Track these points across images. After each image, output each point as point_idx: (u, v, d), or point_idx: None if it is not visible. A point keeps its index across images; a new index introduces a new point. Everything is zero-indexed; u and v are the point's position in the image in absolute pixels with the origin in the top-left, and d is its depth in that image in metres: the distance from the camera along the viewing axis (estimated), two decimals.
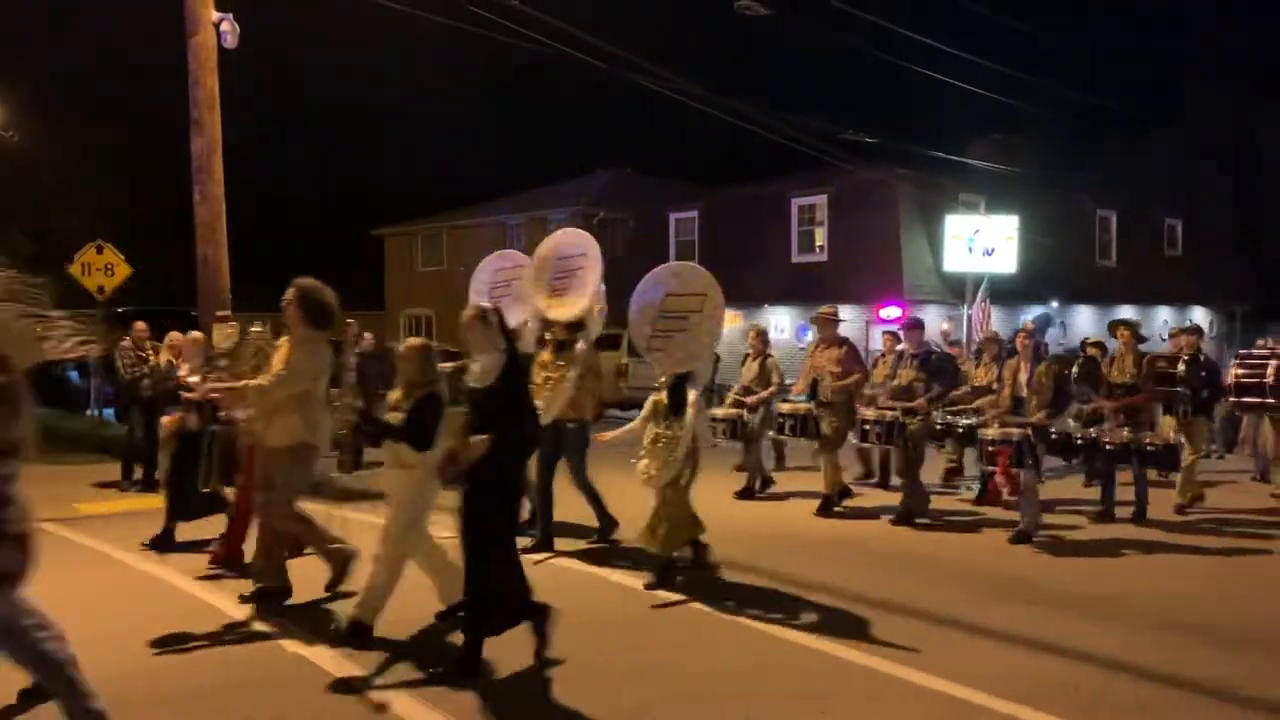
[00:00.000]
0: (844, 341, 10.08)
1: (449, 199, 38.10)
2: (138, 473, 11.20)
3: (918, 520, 9.30)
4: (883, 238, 24.25)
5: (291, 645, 5.70)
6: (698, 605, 6.51)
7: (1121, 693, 5.08)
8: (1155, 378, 9.81)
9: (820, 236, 25.81)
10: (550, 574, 7.39)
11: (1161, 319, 28.45)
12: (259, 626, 6.06)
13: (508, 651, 5.36)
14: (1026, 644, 5.81)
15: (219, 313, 12.16)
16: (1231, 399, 10.56)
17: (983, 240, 23.63)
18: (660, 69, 14.95)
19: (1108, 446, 9.35)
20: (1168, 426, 10.19)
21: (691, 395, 7.10)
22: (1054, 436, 9.21)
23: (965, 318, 23.06)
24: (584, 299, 8.05)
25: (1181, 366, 10.12)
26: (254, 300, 13.40)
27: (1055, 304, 26.63)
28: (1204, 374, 10.18)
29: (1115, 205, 28.57)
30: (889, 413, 9.55)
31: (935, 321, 24.63)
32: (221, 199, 12.36)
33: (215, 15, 12.04)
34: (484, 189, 38.60)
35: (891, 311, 23.83)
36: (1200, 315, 29.63)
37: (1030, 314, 26.56)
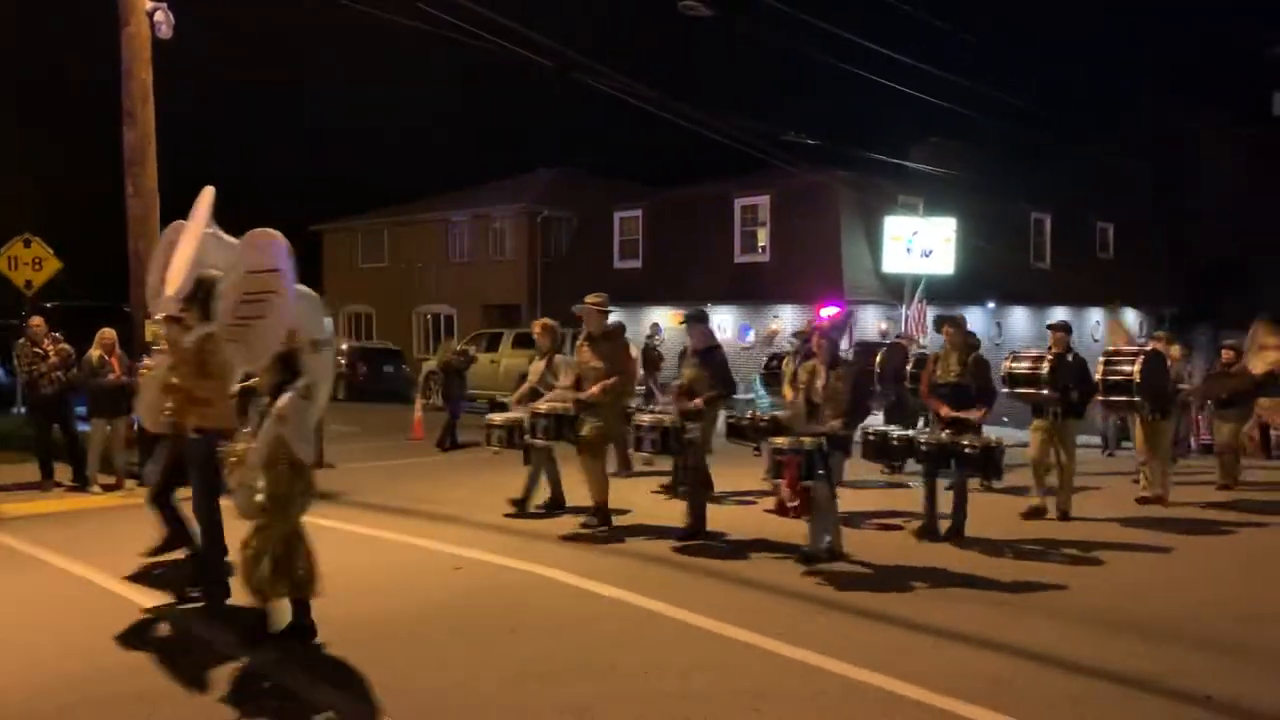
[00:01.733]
0: (614, 335, 9.08)
1: (391, 195, 37.73)
2: (57, 472, 10.89)
3: (693, 540, 8.36)
4: (824, 238, 24.52)
5: (226, 647, 5.60)
6: (637, 603, 6.52)
7: (1053, 686, 5.18)
8: (1017, 379, 9.54)
9: (763, 237, 26.01)
10: (490, 574, 7.36)
11: (1094, 320, 29.15)
12: (193, 628, 5.95)
13: (457, 651, 5.32)
14: (961, 639, 5.90)
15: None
16: (1099, 398, 10.22)
17: (921, 242, 23.99)
18: (605, 68, 14.94)
19: (924, 449, 8.63)
20: (1038, 431, 9.75)
21: (285, 398, 5.45)
22: (871, 439, 8.87)
23: (904, 318, 23.42)
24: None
25: (1046, 366, 9.54)
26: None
27: (992, 305, 27.14)
28: (1074, 374, 9.71)
29: (1049, 209, 29.22)
30: (666, 416, 8.69)
31: (874, 321, 25.00)
32: (155, 193, 12.12)
33: (149, 5, 11.78)
34: (427, 186, 38.30)
35: (831, 311, 24.08)
36: (1130, 317, 30.40)
37: (968, 316, 27.01)
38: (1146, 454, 10.97)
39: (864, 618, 6.30)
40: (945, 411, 8.70)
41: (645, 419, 8.71)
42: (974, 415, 8.52)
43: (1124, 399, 10.04)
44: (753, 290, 25.41)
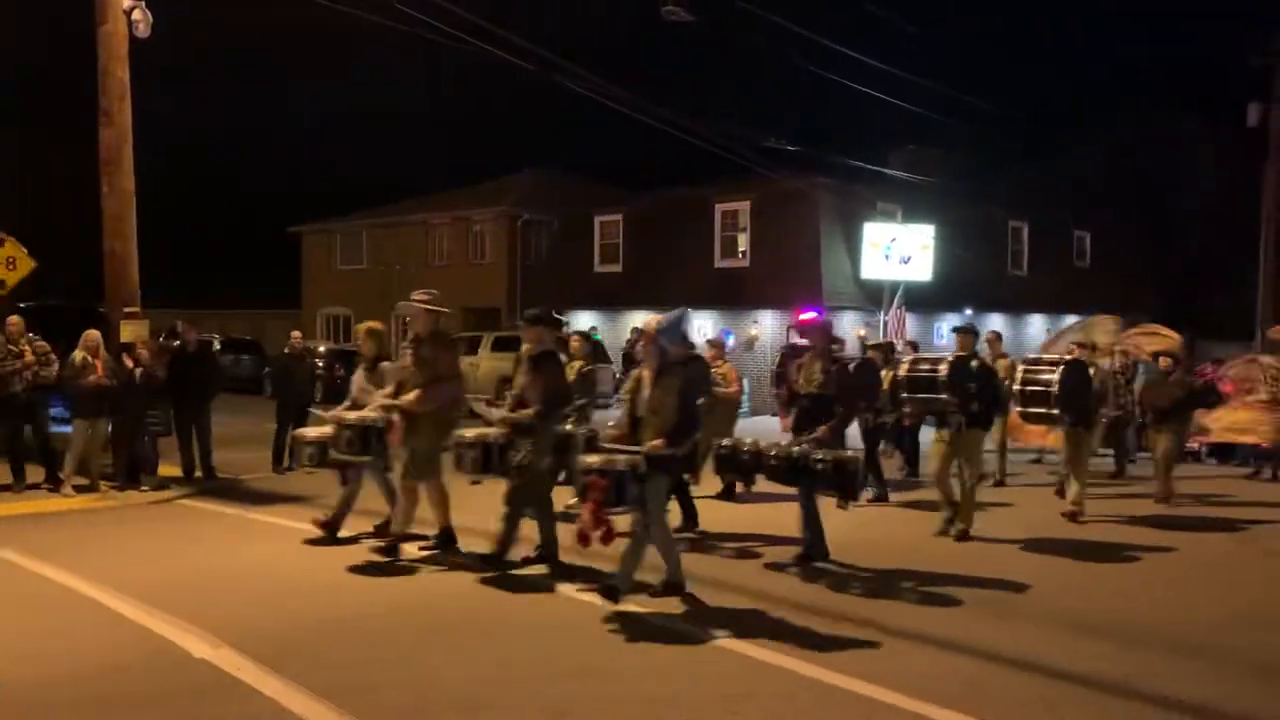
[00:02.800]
0: (440, 338, 8.01)
1: (371, 197, 37.60)
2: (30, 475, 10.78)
3: (539, 564, 7.57)
4: (803, 244, 24.61)
5: (199, 650, 5.56)
6: (616, 608, 6.52)
7: (1026, 689, 5.23)
8: (915, 383, 8.93)
9: (743, 242, 26.08)
10: (467, 576, 7.34)
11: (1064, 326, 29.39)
12: (161, 630, 5.91)
13: (433, 652, 5.30)
14: (934, 643, 5.94)
15: (127, 309, 11.88)
16: (1017, 409, 9.71)
17: (900, 248, 24.13)
18: (587, 71, 14.96)
19: (772, 463, 7.75)
20: (939, 444, 9.10)
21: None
22: (722, 452, 8.07)
23: (882, 324, 23.54)
24: None
25: (943, 370, 8.79)
26: (165, 296, 13.07)
27: (969, 311, 27.30)
28: (977, 381, 8.88)
29: (1026, 216, 29.46)
30: (491, 432, 7.59)
31: (852, 327, 25.10)
32: (131, 192, 12.04)
33: (127, 3, 11.70)
34: (407, 188, 38.18)
35: (809, 316, 24.16)
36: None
37: (945, 322, 27.25)
38: (1068, 468, 10.39)
39: (840, 622, 6.32)
40: (784, 424, 8.28)
41: (469, 434, 7.59)
42: (821, 433, 7.63)
43: (1042, 410, 9.48)
44: (733, 295, 25.46)
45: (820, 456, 7.52)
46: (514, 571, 7.43)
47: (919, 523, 9.74)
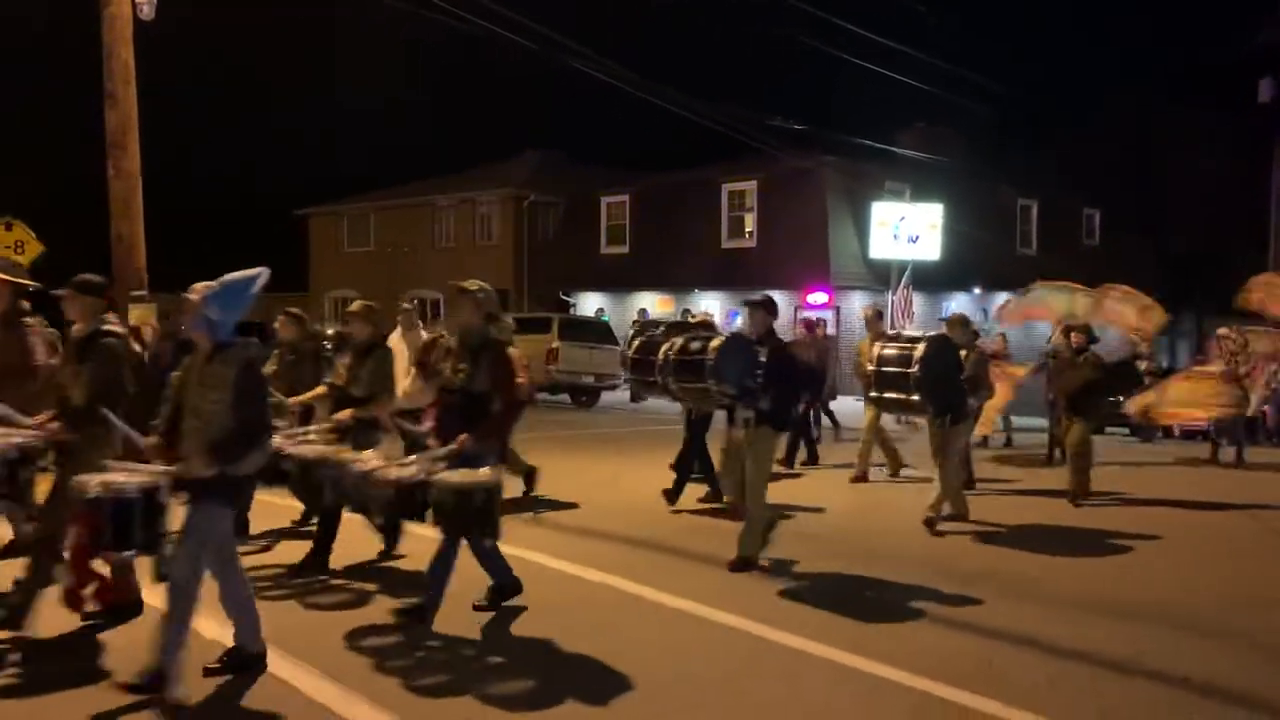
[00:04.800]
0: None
1: (377, 180, 37.61)
2: None
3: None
4: (810, 224, 24.54)
5: (210, 632, 5.59)
6: (622, 587, 6.53)
7: (1033, 668, 5.23)
8: (683, 366, 7.22)
9: (750, 222, 26.02)
10: (474, 559, 7.36)
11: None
12: None
13: (437, 635, 5.32)
14: (941, 622, 5.95)
15: (134, 291, 11.90)
16: (872, 394, 8.45)
17: (908, 228, 24.05)
18: (592, 52, 14.90)
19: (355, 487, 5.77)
20: (724, 452, 7.58)
21: None
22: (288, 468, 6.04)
23: (890, 304, 23.49)
24: None
25: (712, 354, 7.03)
26: (172, 279, 13.05)
27: (977, 290, 27.22)
28: (768, 368, 6.90)
29: (1036, 195, 29.30)
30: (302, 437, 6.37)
31: (860, 307, 25.04)
32: (137, 175, 12.03)
33: None
34: (413, 170, 38.20)
35: (818, 297, 24.17)
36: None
37: (954, 301, 27.18)
38: (938, 465, 8.53)
39: (846, 602, 6.33)
40: (406, 428, 6.62)
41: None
42: (455, 447, 5.50)
43: (899, 397, 8.10)
44: (739, 276, 25.43)
45: (447, 480, 5.35)
46: (515, 552, 7.45)
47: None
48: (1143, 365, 11.92)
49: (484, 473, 5.42)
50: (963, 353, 8.63)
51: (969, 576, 7.05)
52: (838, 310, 24.40)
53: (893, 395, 8.12)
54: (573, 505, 9.21)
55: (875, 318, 11.84)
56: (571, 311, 27.43)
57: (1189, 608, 6.45)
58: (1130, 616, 6.18)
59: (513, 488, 8.89)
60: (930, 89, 20.84)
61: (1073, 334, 10.32)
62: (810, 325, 12.84)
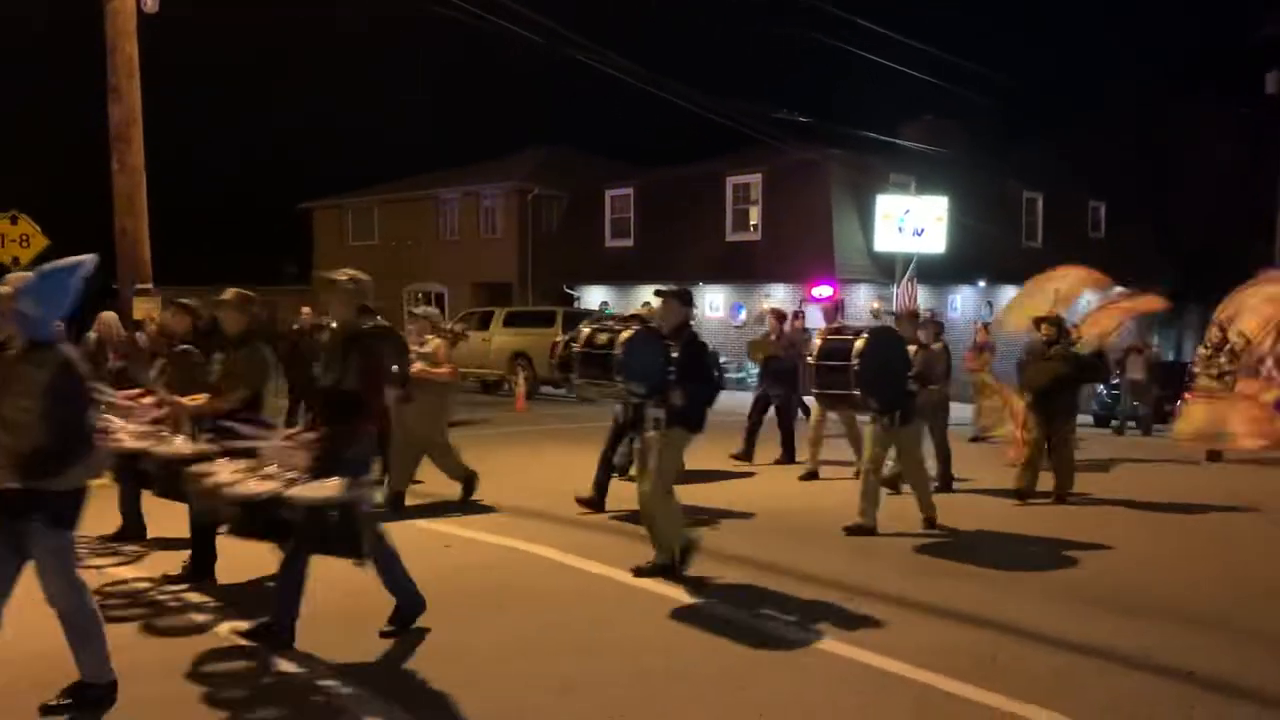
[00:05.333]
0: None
1: (381, 173, 37.59)
2: None
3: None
4: (815, 217, 24.49)
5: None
6: (623, 580, 6.53)
7: (1037, 662, 5.22)
8: (588, 360, 6.75)
9: (754, 215, 25.97)
10: (480, 552, 7.38)
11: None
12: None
13: (443, 627, 5.33)
14: (945, 616, 5.95)
15: (139, 285, 11.91)
16: (815, 390, 8.07)
17: (913, 220, 23.97)
18: (597, 45, 14.88)
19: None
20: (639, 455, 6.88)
21: None
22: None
23: (895, 297, 23.45)
24: None
25: (619, 347, 6.51)
26: (177, 273, 13.12)
27: (982, 284, 27.16)
28: (681, 363, 6.48)
29: (1042, 188, 29.21)
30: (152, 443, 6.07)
31: (865, 300, 25.01)
32: (141, 169, 12.04)
33: None
34: (418, 164, 38.17)
35: (823, 290, 24.14)
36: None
37: (959, 295, 27.12)
38: (909, 471, 8.58)
39: (849, 596, 6.32)
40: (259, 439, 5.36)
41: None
42: (310, 455, 5.05)
43: (841, 393, 7.70)
44: (744, 269, 25.40)
45: (303, 496, 4.81)
46: (517, 544, 7.46)
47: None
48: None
49: (333, 484, 4.81)
50: (911, 348, 8.39)
51: (971, 570, 7.06)
52: (842, 303, 24.36)
53: (834, 391, 7.75)
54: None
55: (778, 319, 11.71)
56: (576, 305, 27.44)
57: (1193, 602, 6.43)
58: (1134, 611, 6.16)
59: (492, 486, 8.89)
60: (935, 81, 20.79)
61: (1044, 325, 9.85)
62: (781, 316, 12.23)
